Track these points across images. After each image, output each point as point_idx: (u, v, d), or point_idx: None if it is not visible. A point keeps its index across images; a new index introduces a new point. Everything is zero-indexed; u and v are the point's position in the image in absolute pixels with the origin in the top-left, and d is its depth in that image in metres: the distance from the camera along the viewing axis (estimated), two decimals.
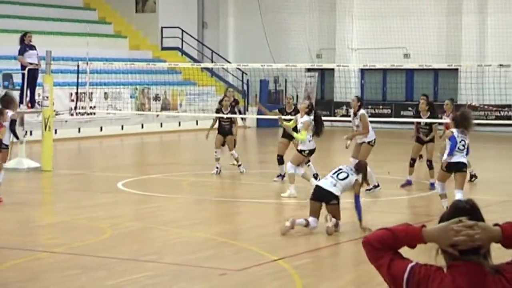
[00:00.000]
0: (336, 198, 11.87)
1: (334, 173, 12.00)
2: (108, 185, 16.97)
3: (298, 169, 15.39)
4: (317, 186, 12.12)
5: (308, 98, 36.41)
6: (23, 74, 20.26)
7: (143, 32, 37.52)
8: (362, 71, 36.29)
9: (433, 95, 35.47)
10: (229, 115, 18.53)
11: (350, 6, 36.34)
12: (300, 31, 37.13)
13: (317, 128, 15.30)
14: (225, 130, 18.43)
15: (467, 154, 13.09)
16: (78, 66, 20.92)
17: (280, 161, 17.31)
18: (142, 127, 31.09)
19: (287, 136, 16.88)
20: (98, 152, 26.69)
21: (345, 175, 11.97)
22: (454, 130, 12.92)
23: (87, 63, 20.81)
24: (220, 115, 18.54)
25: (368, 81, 36.65)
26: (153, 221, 13.09)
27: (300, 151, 15.45)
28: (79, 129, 28.63)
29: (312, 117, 15.36)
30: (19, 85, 20.70)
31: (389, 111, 35.03)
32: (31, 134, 23.17)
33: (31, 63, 20.27)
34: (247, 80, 37.01)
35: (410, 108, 34.14)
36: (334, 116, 34.03)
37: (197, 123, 32.03)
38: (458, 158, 12.72)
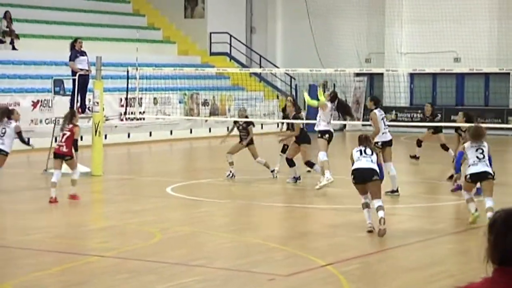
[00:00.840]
0: (377, 174, 12.10)
1: (361, 153, 12.22)
2: (158, 190, 17.11)
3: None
4: (355, 170, 12.18)
5: (357, 102, 36.35)
6: (74, 80, 20.51)
7: (192, 38, 37.76)
8: (412, 76, 36.09)
9: (484, 100, 35.17)
10: (246, 119, 19.11)
11: (399, 10, 36.16)
12: (349, 35, 37.05)
13: (344, 112, 15.88)
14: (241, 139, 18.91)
15: (490, 163, 12.92)
16: (127, 71, 21.12)
17: (291, 163, 17.87)
18: (191, 132, 31.28)
19: (300, 141, 17.56)
20: (147, 157, 26.91)
21: (370, 150, 12.30)
22: (467, 143, 12.93)
23: (136, 69, 21.00)
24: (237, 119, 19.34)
25: (418, 85, 36.42)
26: (202, 225, 13.17)
27: (322, 136, 16.07)
28: (128, 134, 28.93)
29: (332, 104, 16.36)
30: (70, 91, 20.97)
31: (439, 115, 34.74)
32: (81, 139, 23.45)
33: (81, 69, 20.52)
34: (296, 85, 37.02)
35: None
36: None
37: None
38: (481, 167, 12.64)
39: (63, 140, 15.34)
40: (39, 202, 15.87)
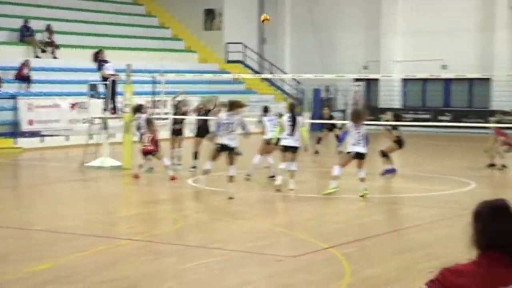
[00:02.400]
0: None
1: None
2: (180, 181, 17.12)
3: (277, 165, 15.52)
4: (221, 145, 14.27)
5: (356, 104, 36.27)
6: (105, 85, 20.52)
7: (210, 47, 37.79)
8: (404, 81, 35.99)
9: (468, 102, 35.03)
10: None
11: (393, 24, 36.10)
12: (349, 46, 37.01)
13: (292, 125, 15.09)
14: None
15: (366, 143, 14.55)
16: (153, 77, 21.16)
17: (195, 156, 19.02)
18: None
19: (199, 134, 19.10)
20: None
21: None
22: (350, 124, 14.48)
23: (161, 75, 21.03)
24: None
25: (410, 89, 36.34)
26: (219, 213, 13.18)
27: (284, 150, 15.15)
28: None
29: (287, 116, 15.14)
30: (103, 94, 21.00)
31: (429, 116, 34.69)
32: (113, 136, 23.50)
33: (111, 74, 20.55)
34: (302, 89, 37.00)
35: (447, 114, 33.76)
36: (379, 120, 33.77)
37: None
38: (360, 148, 14.31)
39: (148, 141, 17.14)
40: (77, 192, 15.93)
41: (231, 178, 14.22)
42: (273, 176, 16.15)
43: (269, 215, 13.20)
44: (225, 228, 11.81)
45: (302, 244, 10.49)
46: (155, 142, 17.31)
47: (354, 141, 14.32)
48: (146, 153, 17.42)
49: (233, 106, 14.48)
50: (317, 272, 8.91)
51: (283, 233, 11.24)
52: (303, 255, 9.65)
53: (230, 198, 14.00)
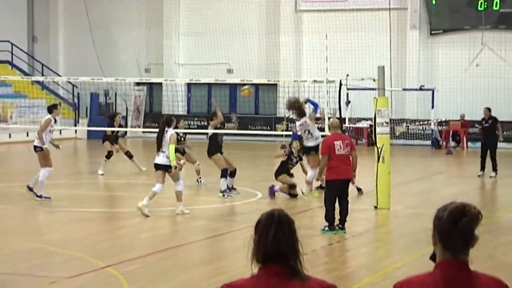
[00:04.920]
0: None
1: None
2: None
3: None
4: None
5: (137, 110, 36.19)
6: None
7: None
8: (189, 85, 36.41)
9: (254, 108, 36.12)
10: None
11: (176, 23, 36.41)
12: (129, 46, 36.87)
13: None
14: None
15: None
16: None
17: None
18: None
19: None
20: None
21: None
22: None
23: None
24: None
25: (194, 94, 36.81)
26: None
27: None
28: None
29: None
30: None
31: None
32: None
33: None
34: (78, 93, 36.32)
35: (233, 120, 34.57)
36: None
37: (27, 135, 31.04)
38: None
39: None
40: None
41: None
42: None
43: (40, 232, 12.76)
44: None
45: (78, 263, 10.23)
46: None
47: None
48: None
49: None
50: None
51: (56, 252, 10.91)
52: (78, 276, 9.42)
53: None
